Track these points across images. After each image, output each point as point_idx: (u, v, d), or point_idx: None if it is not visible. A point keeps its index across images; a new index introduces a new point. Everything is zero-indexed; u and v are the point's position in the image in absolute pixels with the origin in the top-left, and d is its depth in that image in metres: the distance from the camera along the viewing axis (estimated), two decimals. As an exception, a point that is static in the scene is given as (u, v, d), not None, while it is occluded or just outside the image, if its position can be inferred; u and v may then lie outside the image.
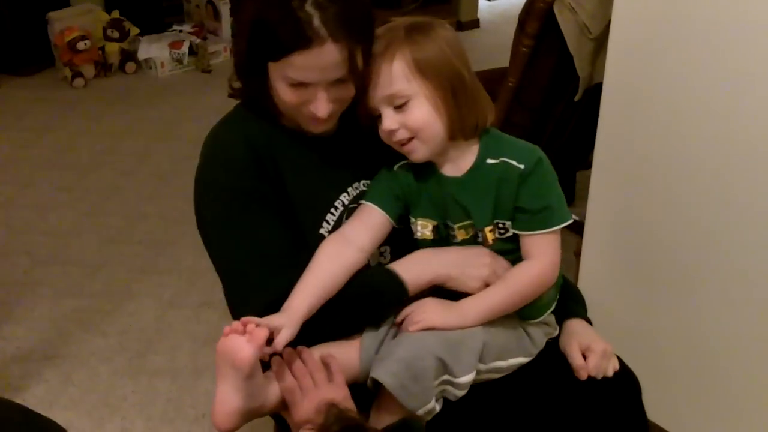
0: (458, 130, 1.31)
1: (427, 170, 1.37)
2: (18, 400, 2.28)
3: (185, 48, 4.84)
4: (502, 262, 1.38)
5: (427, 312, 1.34)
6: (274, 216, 1.36)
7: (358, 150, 1.45)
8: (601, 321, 2.03)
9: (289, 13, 1.22)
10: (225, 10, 5.04)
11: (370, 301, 1.37)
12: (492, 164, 1.33)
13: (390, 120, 1.29)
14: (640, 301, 1.97)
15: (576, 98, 2.58)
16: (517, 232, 1.35)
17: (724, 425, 1.89)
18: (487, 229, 1.35)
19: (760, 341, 1.73)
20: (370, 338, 1.37)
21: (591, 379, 1.45)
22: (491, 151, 1.34)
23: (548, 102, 2.60)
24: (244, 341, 1.17)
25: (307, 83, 1.27)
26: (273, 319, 1.23)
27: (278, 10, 1.23)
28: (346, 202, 1.43)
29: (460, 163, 1.35)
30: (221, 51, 4.97)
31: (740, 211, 1.67)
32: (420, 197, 1.38)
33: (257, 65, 1.31)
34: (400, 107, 1.28)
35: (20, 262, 3.01)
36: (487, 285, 1.37)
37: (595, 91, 2.44)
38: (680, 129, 1.73)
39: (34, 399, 2.34)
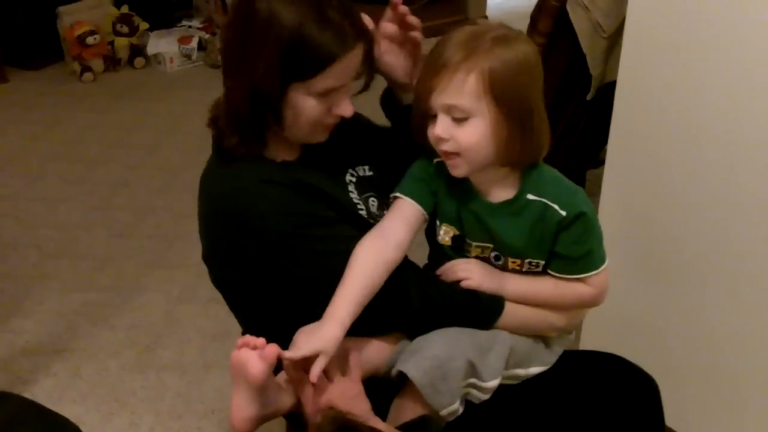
0: (509, 160, 1.25)
1: (463, 183, 1.32)
2: (26, 394, 2.28)
3: (194, 43, 4.84)
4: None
5: (471, 269, 1.33)
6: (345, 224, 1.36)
7: (341, 143, 1.46)
8: (613, 319, 2.03)
9: (329, 24, 1.24)
10: (234, 5, 5.05)
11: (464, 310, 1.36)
12: (531, 200, 1.28)
13: (442, 128, 1.22)
14: (652, 301, 1.96)
15: (588, 97, 2.57)
16: (557, 275, 1.33)
17: (734, 426, 1.88)
18: (511, 259, 1.33)
19: (773, 342, 1.73)
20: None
21: (608, 384, 1.44)
22: (533, 187, 1.29)
23: (559, 100, 2.60)
24: (255, 356, 1.17)
25: (338, 87, 1.30)
26: (311, 345, 1.20)
27: (317, 24, 1.24)
28: (357, 193, 1.45)
29: (498, 189, 1.30)
30: (230, 46, 4.97)
31: (752, 210, 1.67)
32: (448, 204, 1.34)
33: (276, 92, 1.29)
34: (457, 119, 1.21)
35: (29, 255, 3.01)
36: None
37: (606, 90, 2.43)
38: (693, 128, 1.73)
39: (43, 393, 2.34)
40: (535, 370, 1.40)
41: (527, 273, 1.35)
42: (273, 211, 1.30)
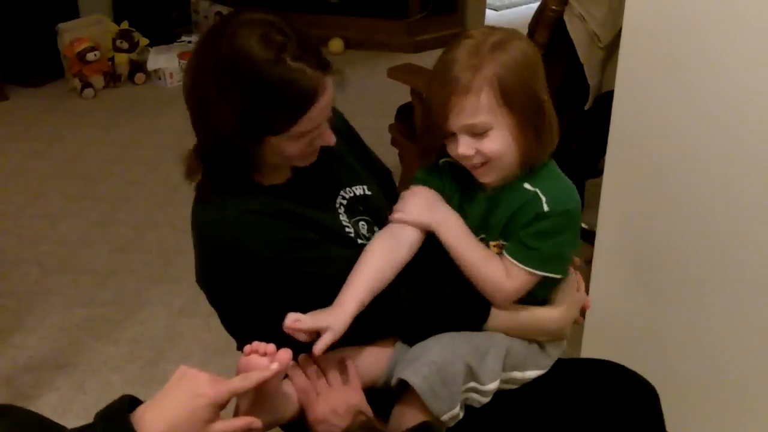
0: (531, 159, 1.28)
1: (468, 178, 1.35)
2: (30, 409, 2.28)
3: (194, 58, 4.85)
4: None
5: (406, 203, 1.36)
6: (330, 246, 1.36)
7: (334, 163, 1.47)
8: (613, 328, 2.03)
9: (287, 81, 1.22)
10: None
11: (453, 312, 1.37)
12: (526, 190, 1.30)
13: (466, 146, 1.26)
14: (651, 309, 1.97)
15: (586, 107, 2.58)
16: (504, 253, 1.33)
17: (736, 433, 1.88)
18: (492, 243, 1.35)
19: (773, 348, 1.73)
20: (403, 345, 1.37)
21: (609, 391, 1.45)
22: (532, 177, 1.31)
23: (557, 110, 2.60)
24: (266, 362, 1.17)
25: (317, 126, 1.29)
26: (321, 319, 1.22)
27: (274, 84, 1.22)
28: (348, 216, 1.45)
29: (502, 181, 1.33)
30: (229, 61, 4.98)
31: (751, 218, 1.67)
32: (452, 199, 1.37)
33: (250, 145, 1.29)
34: (478, 134, 1.25)
35: (31, 271, 3.02)
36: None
37: (604, 100, 2.45)
38: (691, 137, 1.73)
39: (47, 407, 2.34)
40: (531, 373, 1.41)
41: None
42: (256, 239, 1.31)
